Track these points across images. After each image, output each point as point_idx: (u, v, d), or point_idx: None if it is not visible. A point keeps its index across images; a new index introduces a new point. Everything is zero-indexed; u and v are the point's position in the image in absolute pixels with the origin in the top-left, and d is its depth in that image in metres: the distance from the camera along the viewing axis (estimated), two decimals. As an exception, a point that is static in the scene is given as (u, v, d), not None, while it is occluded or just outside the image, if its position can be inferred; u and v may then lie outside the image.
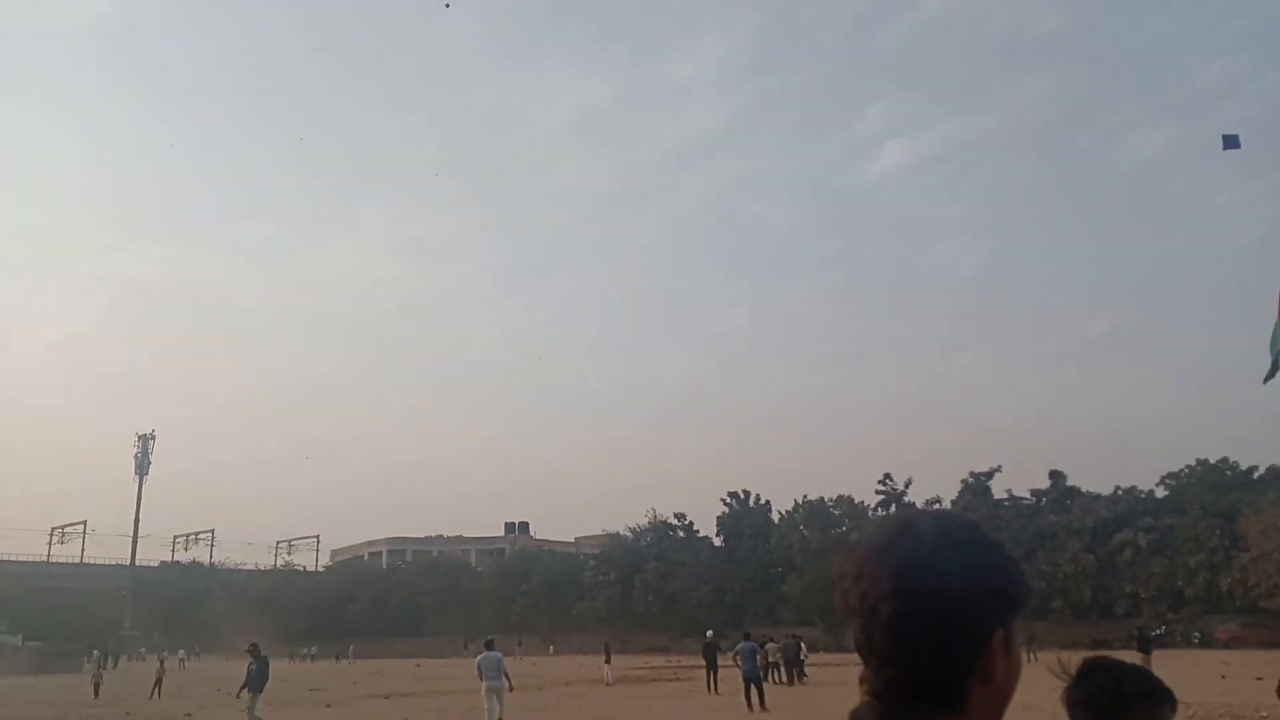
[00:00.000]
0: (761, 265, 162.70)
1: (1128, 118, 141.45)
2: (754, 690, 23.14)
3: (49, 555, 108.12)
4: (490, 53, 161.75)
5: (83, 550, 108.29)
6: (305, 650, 78.27)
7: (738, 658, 24.03)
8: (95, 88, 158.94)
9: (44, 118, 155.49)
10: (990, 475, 72.76)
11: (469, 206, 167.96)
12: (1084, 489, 70.67)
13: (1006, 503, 71.82)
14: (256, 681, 20.03)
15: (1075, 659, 2.17)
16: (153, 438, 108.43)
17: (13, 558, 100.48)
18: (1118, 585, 63.05)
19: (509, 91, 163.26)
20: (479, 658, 19.27)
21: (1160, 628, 54.70)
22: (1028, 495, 72.41)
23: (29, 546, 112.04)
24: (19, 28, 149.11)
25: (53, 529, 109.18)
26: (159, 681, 35.08)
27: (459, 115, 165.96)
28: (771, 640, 34.02)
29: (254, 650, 20.55)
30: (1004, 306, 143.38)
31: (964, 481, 73.30)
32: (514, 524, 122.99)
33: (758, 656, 25.07)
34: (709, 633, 34.98)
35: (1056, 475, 71.84)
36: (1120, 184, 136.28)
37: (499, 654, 19.28)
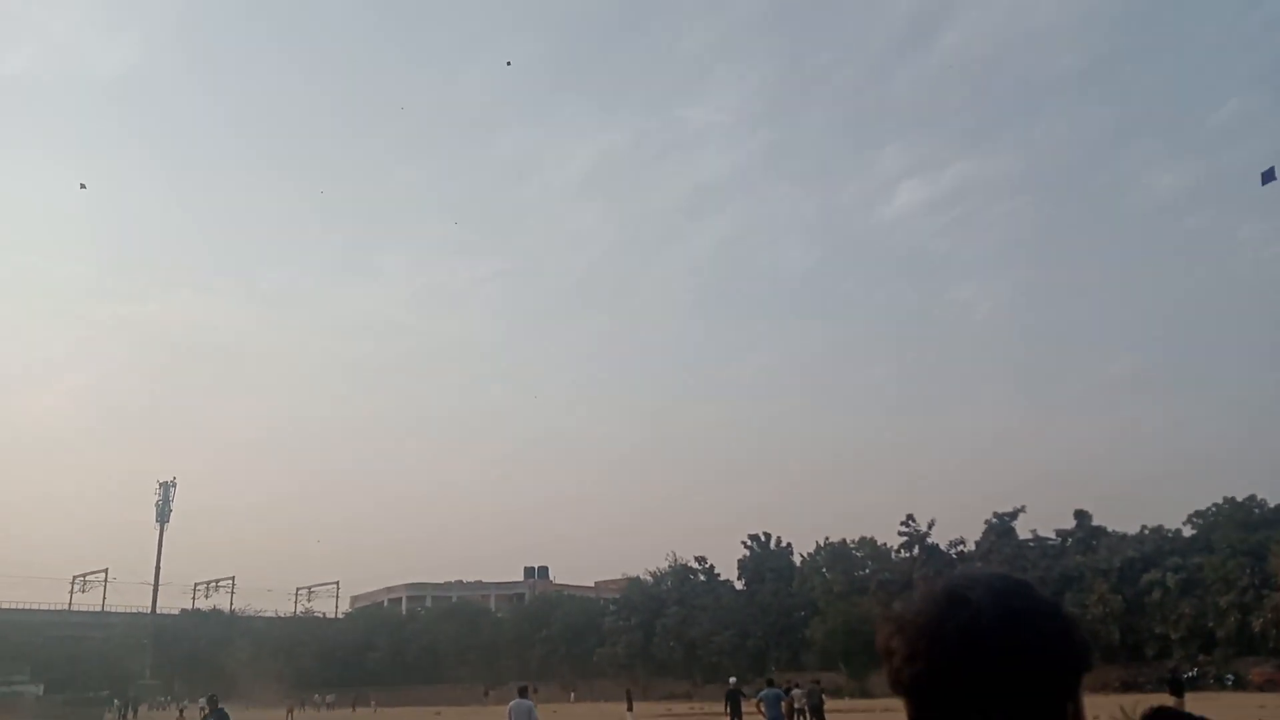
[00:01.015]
0: (778, 309, 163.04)
1: (1145, 155, 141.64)
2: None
3: (70, 604, 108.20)
4: (508, 102, 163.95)
5: (104, 598, 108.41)
6: (321, 698, 77.59)
7: (761, 705, 23.75)
8: (117, 141, 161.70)
9: (67, 169, 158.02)
10: (1014, 515, 72.01)
11: (486, 254, 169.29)
12: (1110, 528, 69.91)
13: (1031, 543, 71.04)
14: None
15: (1136, 705, 2.20)
16: (174, 485, 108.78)
17: (35, 606, 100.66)
18: (1147, 626, 62.07)
19: (526, 140, 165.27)
20: (510, 705, 19.07)
21: (1192, 670, 53.76)
22: (1053, 536, 71.63)
23: (51, 595, 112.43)
24: (43, 82, 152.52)
25: (74, 577, 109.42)
26: None
27: (476, 164, 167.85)
28: (796, 686, 33.60)
29: (211, 701, 19.96)
30: (1024, 346, 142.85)
31: (987, 522, 72.56)
32: (533, 569, 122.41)
33: (782, 703, 24.77)
34: (732, 679, 34.56)
35: (1082, 515, 71.05)
36: (1139, 222, 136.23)
37: (530, 702, 19.02)
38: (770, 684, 25.47)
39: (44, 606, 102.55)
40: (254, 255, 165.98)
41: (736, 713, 29.45)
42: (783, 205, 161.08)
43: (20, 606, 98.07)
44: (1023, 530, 71.78)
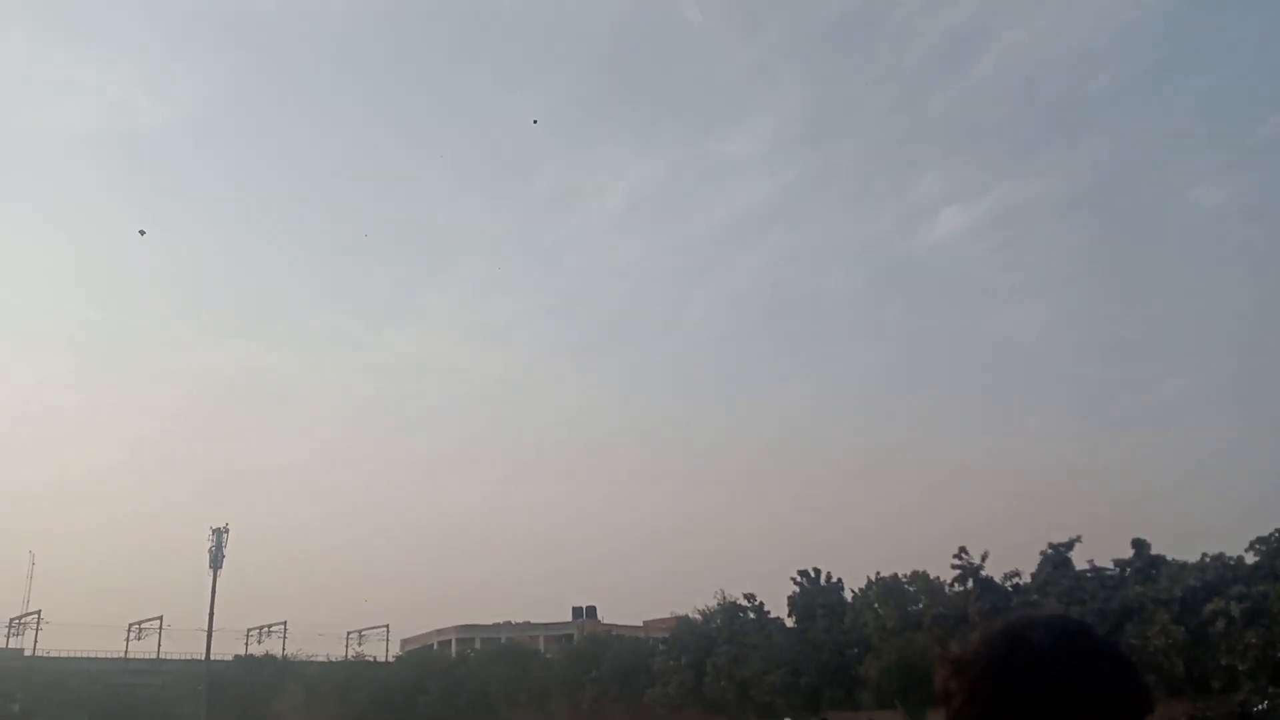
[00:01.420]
0: (819, 337, 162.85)
1: (1188, 172, 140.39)
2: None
3: (126, 651, 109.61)
4: (547, 138, 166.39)
5: (159, 646, 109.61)
6: None
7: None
8: (166, 192, 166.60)
9: (120, 219, 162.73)
10: (1070, 546, 70.55)
11: (527, 291, 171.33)
12: (1170, 557, 68.16)
13: (1089, 574, 69.50)
14: None
15: None
16: (226, 531, 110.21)
17: (92, 654, 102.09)
18: (1212, 658, 60.24)
19: (565, 174, 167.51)
20: None
21: (1262, 703, 52.11)
22: (1110, 566, 69.98)
23: (108, 643, 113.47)
24: (96, 136, 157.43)
25: (130, 625, 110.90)
26: None
27: (516, 202, 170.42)
28: None
29: None
30: (1074, 370, 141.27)
31: (1043, 553, 71.16)
32: (581, 609, 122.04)
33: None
34: (787, 719, 34.19)
35: (1140, 543, 69.38)
36: (1188, 237, 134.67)
37: None
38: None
39: (101, 654, 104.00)
40: (300, 300, 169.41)
41: None
42: (823, 232, 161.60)
43: (78, 654, 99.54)
44: (1079, 561, 70.34)
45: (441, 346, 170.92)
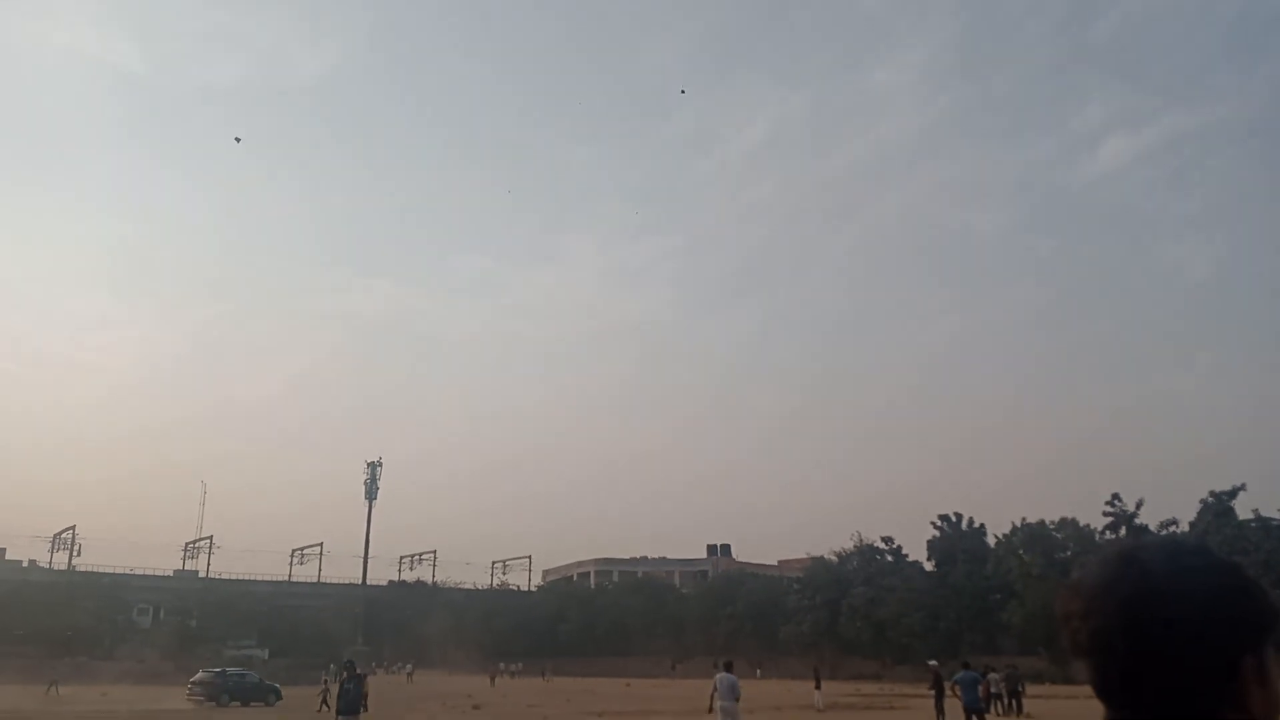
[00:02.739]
0: (971, 272, 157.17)
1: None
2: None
3: (290, 575, 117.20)
4: (685, 74, 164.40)
5: (320, 570, 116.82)
6: (506, 667, 78.85)
7: (958, 688, 23.06)
8: (321, 140, 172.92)
9: (279, 170, 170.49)
10: (1233, 494, 66.64)
11: (663, 233, 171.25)
12: (1347, 509, 63.49)
13: (1254, 523, 65.48)
14: (349, 703, 17.02)
15: None
16: (380, 464, 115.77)
17: (259, 578, 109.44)
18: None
19: (704, 112, 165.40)
20: (716, 678, 19.12)
21: None
22: (1277, 515, 65.78)
23: (273, 567, 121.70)
24: (254, 89, 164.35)
25: (293, 550, 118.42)
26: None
27: (652, 144, 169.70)
28: (993, 670, 32.53)
29: (349, 667, 17.87)
30: (1244, 308, 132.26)
31: (1203, 501, 67.50)
32: (716, 546, 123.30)
33: (980, 686, 23.98)
34: (932, 661, 33.73)
35: (1313, 494, 64.92)
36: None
37: (734, 677, 19.02)
38: (966, 667, 24.65)
39: (267, 578, 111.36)
40: (448, 245, 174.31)
41: (940, 692, 28.85)
42: (972, 166, 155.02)
43: (246, 578, 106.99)
44: (1243, 510, 66.38)
45: (581, 289, 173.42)
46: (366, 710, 17.58)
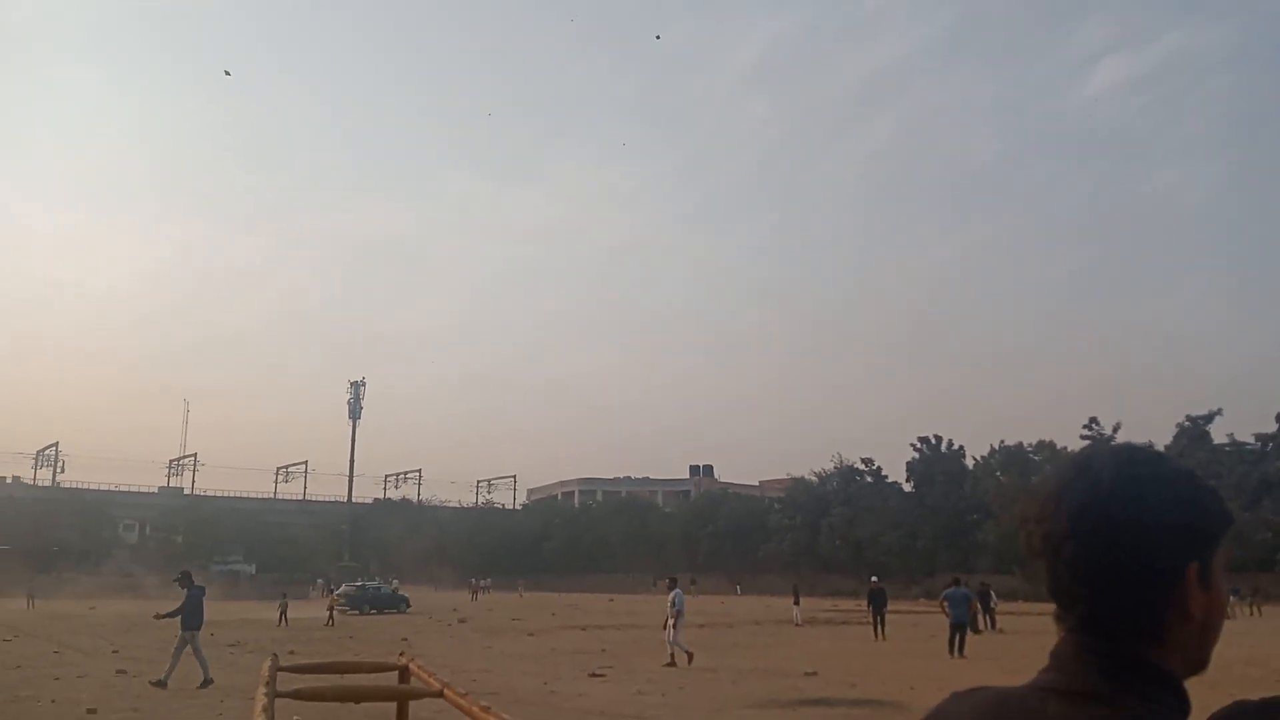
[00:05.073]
0: (963, 198, 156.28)
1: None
2: (958, 637, 22.63)
3: (275, 493, 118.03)
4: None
5: (305, 488, 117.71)
6: (477, 582, 78.20)
7: (946, 604, 23.51)
8: (310, 53, 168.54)
9: (264, 81, 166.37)
10: (1209, 419, 67.70)
11: (655, 154, 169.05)
12: (1318, 433, 64.51)
13: (1228, 448, 66.62)
14: (191, 617, 16.23)
15: None
16: (363, 384, 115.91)
17: (244, 494, 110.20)
18: (1357, 536, 57.52)
19: (697, 31, 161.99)
20: (673, 594, 20.55)
21: None
22: (1251, 440, 66.85)
23: (258, 485, 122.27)
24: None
25: (278, 469, 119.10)
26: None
27: (647, 60, 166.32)
28: (989, 587, 33.73)
29: (184, 579, 16.99)
30: (1234, 236, 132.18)
31: (1179, 426, 68.53)
32: (698, 467, 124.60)
33: (969, 604, 24.50)
34: (874, 578, 34.57)
35: (1285, 418, 65.89)
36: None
37: (677, 591, 20.73)
38: (956, 583, 25.09)
39: (252, 495, 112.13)
40: (433, 162, 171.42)
41: (879, 608, 29.59)
42: (965, 88, 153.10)
43: (232, 494, 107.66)
44: (1218, 434, 67.50)
45: (569, 210, 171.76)
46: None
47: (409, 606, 47.57)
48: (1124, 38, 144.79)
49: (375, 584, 52.06)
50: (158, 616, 16.96)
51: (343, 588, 49.50)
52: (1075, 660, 0.97)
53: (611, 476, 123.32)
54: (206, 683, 15.09)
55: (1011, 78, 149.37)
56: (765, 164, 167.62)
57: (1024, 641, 25.27)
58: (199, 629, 16.12)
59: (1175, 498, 0.95)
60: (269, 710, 3.01)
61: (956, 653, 22.12)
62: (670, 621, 20.01)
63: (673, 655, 19.40)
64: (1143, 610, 0.95)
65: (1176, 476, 0.97)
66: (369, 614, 44.48)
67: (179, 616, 16.24)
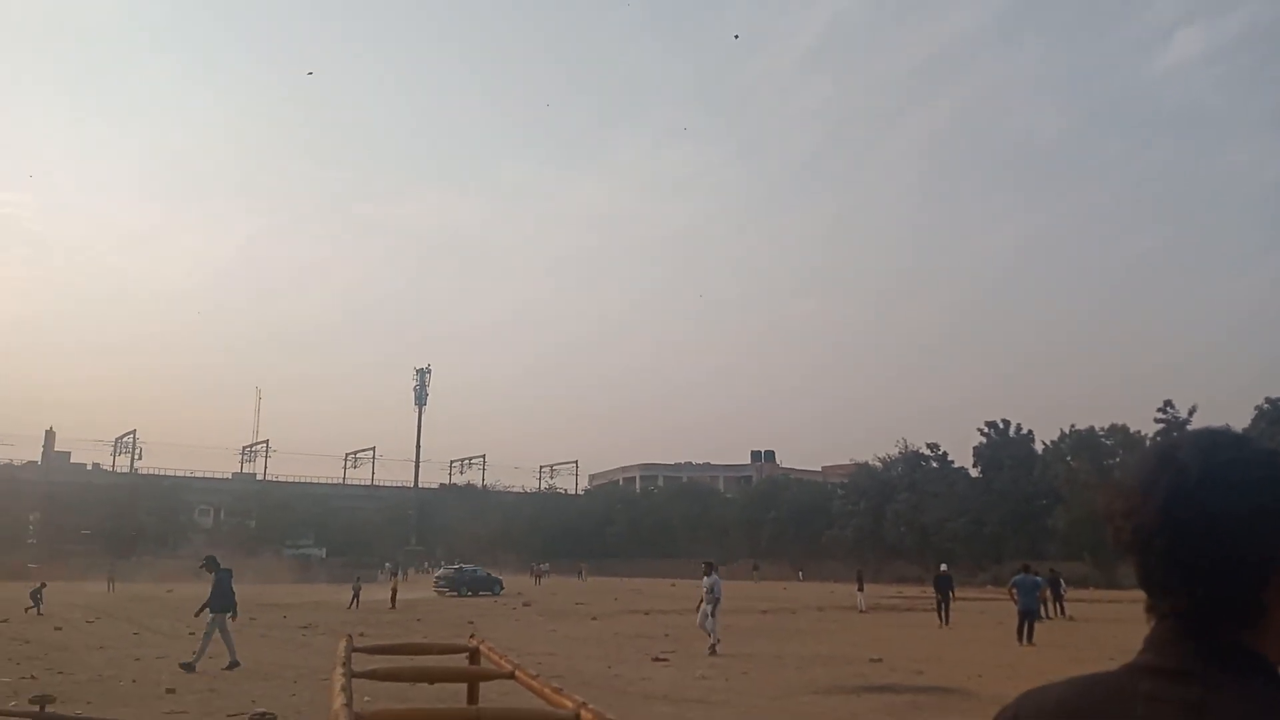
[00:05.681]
0: (1030, 178, 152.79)
1: None
2: (1027, 624, 22.29)
3: (344, 478, 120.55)
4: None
5: (373, 473, 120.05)
6: (537, 567, 78.47)
7: (1015, 590, 23.16)
8: (370, 47, 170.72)
9: (328, 82, 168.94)
10: (1290, 401, 65.48)
11: (713, 139, 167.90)
12: None
13: (1311, 431, 64.35)
14: (217, 600, 16.12)
15: None
16: (429, 370, 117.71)
17: (314, 480, 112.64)
18: None
19: (755, 12, 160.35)
20: (711, 580, 20.59)
21: None
22: (1337, 423, 64.50)
23: (328, 471, 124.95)
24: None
25: (346, 454, 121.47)
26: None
27: (706, 42, 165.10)
28: (1059, 575, 33.21)
29: (211, 563, 16.92)
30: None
31: (1258, 408, 66.40)
32: (760, 452, 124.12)
33: (1038, 591, 24.15)
34: (943, 565, 33.98)
35: (1375, 401, 63.48)
36: None
37: (715, 578, 20.66)
38: (1026, 569, 24.72)
39: (322, 480, 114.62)
40: (495, 152, 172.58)
41: (946, 596, 29.23)
42: (1032, 64, 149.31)
43: (302, 480, 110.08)
44: (1301, 417, 65.17)
45: (628, 197, 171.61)
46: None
47: (502, 589, 49.71)
48: (1200, 8, 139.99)
49: (472, 567, 54.50)
50: (197, 614, 16.87)
51: (441, 569, 52.90)
52: (1170, 644, 0.96)
53: (672, 462, 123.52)
54: (233, 665, 15.13)
55: (1080, 51, 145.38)
56: (826, 145, 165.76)
57: (1094, 629, 24.81)
58: (226, 612, 16.04)
59: (1267, 480, 0.93)
60: (348, 690, 3.09)
61: (1025, 640, 21.81)
62: (707, 608, 19.84)
63: (713, 645, 19.17)
64: (1238, 598, 0.93)
65: (1264, 459, 0.95)
66: (465, 595, 47.08)
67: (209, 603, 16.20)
